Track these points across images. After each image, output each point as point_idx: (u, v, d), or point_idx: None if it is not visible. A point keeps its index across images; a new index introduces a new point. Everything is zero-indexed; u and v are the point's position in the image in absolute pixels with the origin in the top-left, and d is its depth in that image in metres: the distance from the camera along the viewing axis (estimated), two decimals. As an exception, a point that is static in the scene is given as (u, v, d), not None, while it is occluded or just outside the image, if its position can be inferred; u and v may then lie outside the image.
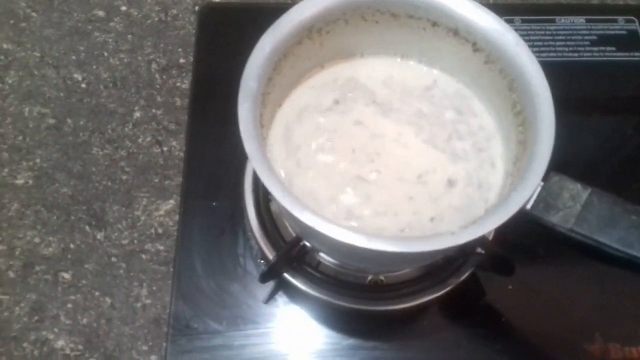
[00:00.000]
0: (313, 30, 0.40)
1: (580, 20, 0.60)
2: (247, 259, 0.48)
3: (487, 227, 0.32)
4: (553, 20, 0.60)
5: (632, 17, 0.60)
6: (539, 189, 0.35)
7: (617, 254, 0.35)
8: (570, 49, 0.59)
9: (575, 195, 0.35)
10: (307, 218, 0.32)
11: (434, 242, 0.32)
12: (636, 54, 0.59)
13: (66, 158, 0.55)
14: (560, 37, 0.59)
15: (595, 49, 0.59)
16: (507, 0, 0.64)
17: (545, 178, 0.35)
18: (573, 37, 0.60)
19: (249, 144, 0.33)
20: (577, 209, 0.35)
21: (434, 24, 0.41)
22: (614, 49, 0.59)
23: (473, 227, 0.32)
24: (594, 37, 0.60)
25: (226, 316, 0.46)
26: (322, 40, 0.41)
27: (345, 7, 0.40)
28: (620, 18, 0.60)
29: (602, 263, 0.37)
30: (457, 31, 0.40)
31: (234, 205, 0.50)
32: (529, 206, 0.35)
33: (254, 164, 0.33)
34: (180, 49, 0.60)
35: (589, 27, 0.60)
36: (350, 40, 0.43)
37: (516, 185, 0.34)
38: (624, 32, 0.60)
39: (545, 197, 0.35)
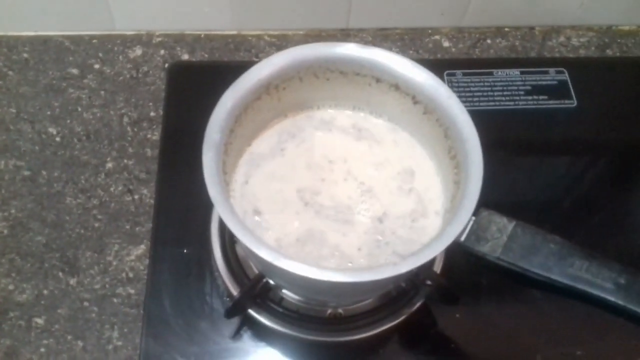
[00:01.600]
0: (270, 87, 0.44)
1: (515, 72, 0.66)
2: (214, 298, 0.51)
3: (425, 258, 0.36)
4: (491, 73, 0.66)
5: (562, 69, 0.66)
6: (471, 222, 0.39)
7: (540, 279, 0.39)
8: (507, 98, 0.64)
9: (502, 227, 0.40)
10: (264, 253, 0.35)
11: (377, 272, 0.35)
12: (566, 101, 0.65)
13: (40, 208, 0.58)
14: (497, 88, 0.65)
15: (530, 97, 0.64)
16: (450, 55, 0.70)
17: (476, 213, 0.39)
18: (509, 88, 0.65)
19: (212, 189, 0.37)
20: (503, 239, 0.40)
21: (378, 80, 0.46)
22: (546, 97, 0.65)
23: (412, 258, 0.36)
24: (528, 87, 0.65)
25: (194, 352, 0.48)
26: (280, 95, 0.45)
27: (298, 66, 0.45)
28: (551, 70, 0.66)
29: (529, 287, 0.41)
30: (397, 86, 0.45)
31: (201, 248, 0.53)
32: (462, 238, 0.39)
33: (217, 206, 0.36)
34: (151, 103, 0.64)
35: (523, 78, 0.66)
36: (306, 95, 0.47)
37: (450, 220, 0.38)
38: (555, 82, 0.66)
39: (476, 230, 0.40)
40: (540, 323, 0.51)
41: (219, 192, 0.37)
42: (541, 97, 0.65)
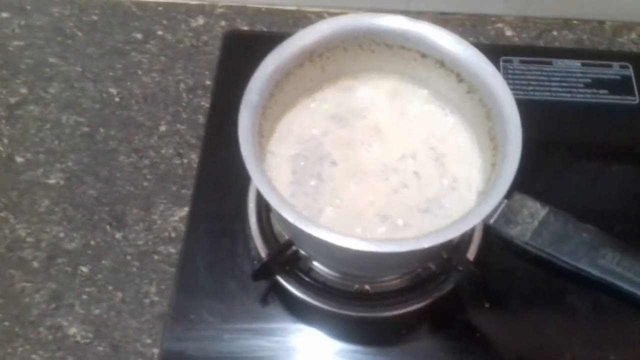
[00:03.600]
0: (314, 54, 0.44)
1: (576, 63, 0.63)
2: (245, 260, 0.52)
3: (449, 235, 0.36)
4: (550, 62, 0.63)
5: (627, 64, 0.63)
6: (502, 205, 0.38)
7: (568, 268, 0.38)
8: (565, 89, 0.62)
9: (534, 212, 0.39)
10: (289, 215, 0.35)
11: (399, 245, 0.35)
12: (628, 97, 0.62)
13: (95, 163, 0.60)
14: (555, 78, 0.63)
15: (589, 91, 0.62)
16: (508, 41, 0.68)
17: (509, 195, 0.38)
18: (568, 79, 0.63)
19: (245, 149, 0.37)
20: (534, 224, 0.38)
21: (423, 55, 0.45)
22: (607, 91, 0.62)
23: (434, 234, 0.36)
24: (589, 80, 0.63)
25: (221, 310, 0.49)
26: (323, 64, 0.45)
27: (344, 36, 0.44)
28: (615, 64, 0.63)
29: (556, 276, 0.40)
30: (443, 62, 0.44)
31: (237, 213, 0.54)
32: (492, 221, 0.38)
33: (248, 166, 0.37)
34: (207, 72, 0.65)
35: (584, 70, 0.63)
36: (350, 65, 0.47)
37: (481, 201, 0.37)
38: (618, 77, 0.63)
39: (507, 213, 0.38)
40: (573, 321, 0.49)
41: (252, 153, 0.37)
42: (601, 92, 0.62)
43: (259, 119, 0.40)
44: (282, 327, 0.50)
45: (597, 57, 0.64)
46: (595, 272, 0.38)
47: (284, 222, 0.37)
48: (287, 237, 0.50)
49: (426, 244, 0.35)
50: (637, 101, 0.61)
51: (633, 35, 0.68)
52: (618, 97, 0.61)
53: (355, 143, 0.46)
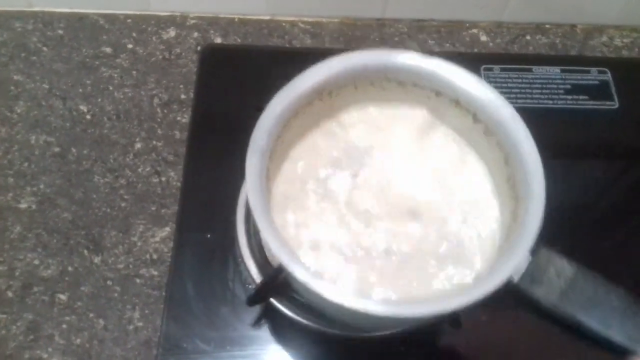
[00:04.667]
0: (324, 93, 0.42)
1: (556, 70, 0.64)
2: (237, 284, 0.51)
3: (474, 296, 0.33)
4: (530, 70, 0.64)
5: (605, 69, 0.64)
6: (527, 262, 0.36)
7: (596, 335, 0.35)
8: (546, 96, 0.63)
9: (561, 271, 0.36)
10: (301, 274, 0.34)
11: (420, 307, 0.33)
12: (607, 102, 0.63)
13: (69, 185, 0.58)
14: (536, 85, 0.63)
15: (569, 97, 0.63)
16: (487, 50, 0.68)
17: (533, 252, 0.35)
18: (548, 86, 0.63)
19: (254, 197, 0.35)
20: (561, 285, 0.35)
21: (438, 94, 0.43)
22: (586, 97, 0.63)
23: (460, 296, 0.33)
24: (568, 86, 0.63)
25: (214, 338, 0.48)
26: (332, 102, 0.43)
27: (355, 73, 0.42)
28: (593, 69, 0.64)
29: (582, 341, 0.36)
30: (458, 101, 0.42)
31: (225, 234, 0.52)
32: (516, 279, 0.35)
33: (255, 216, 0.35)
34: (181, 86, 0.64)
35: (563, 76, 0.64)
36: (359, 106, 0.45)
37: (505, 257, 0.35)
38: (597, 82, 0.64)
39: (532, 271, 0.36)
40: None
41: (260, 201, 0.35)
42: (581, 97, 0.63)
43: (267, 163, 0.38)
44: (278, 350, 0.49)
45: (575, 62, 0.65)
46: (626, 343, 0.35)
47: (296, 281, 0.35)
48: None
49: (450, 307, 0.33)
50: (616, 106, 0.62)
51: (604, 38, 0.69)
52: (598, 102, 0.62)
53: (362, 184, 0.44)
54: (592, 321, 0.35)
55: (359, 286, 0.39)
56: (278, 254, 0.34)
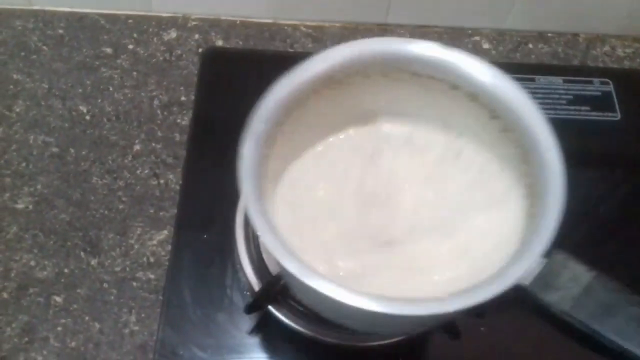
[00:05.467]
0: (333, 80, 0.40)
1: (558, 80, 0.64)
2: (234, 291, 0.50)
3: (478, 298, 0.31)
4: (533, 79, 0.64)
5: (607, 80, 0.64)
6: (542, 265, 0.34)
7: (612, 346, 0.34)
8: (548, 106, 0.62)
9: (578, 276, 0.34)
10: (292, 267, 0.32)
11: (418, 307, 0.31)
12: (609, 114, 0.62)
13: (66, 185, 0.58)
14: (538, 95, 0.63)
15: (572, 107, 0.62)
16: (490, 58, 0.67)
17: (549, 254, 0.33)
18: (551, 96, 0.63)
19: (247, 184, 0.34)
20: (576, 291, 0.34)
21: (454, 87, 0.40)
22: (588, 108, 0.62)
23: (463, 296, 0.32)
24: (571, 97, 0.63)
25: (211, 345, 0.48)
26: (342, 94, 0.41)
27: (366, 60, 0.40)
28: (596, 80, 0.64)
29: (596, 353, 0.35)
30: (476, 96, 0.40)
31: (224, 239, 0.52)
32: (528, 282, 0.34)
33: (248, 204, 0.33)
34: (182, 87, 0.63)
35: (566, 87, 0.63)
36: (369, 99, 0.42)
37: (516, 258, 0.33)
38: (599, 93, 0.63)
39: (546, 275, 0.34)
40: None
41: (253, 189, 0.34)
42: (583, 108, 0.63)
43: (263, 149, 0.36)
44: (275, 358, 0.48)
45: (578, 73, 0.65)
46: None
47: (286, 272, 0.34)
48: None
49: (451, 308, 0.31)
50: (618, 117, 0.62)
51: (606, 48, 0.69)
52: (600, 113, 0.62)
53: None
54: (608, 331, 0.34)
55: (356, 283, 0.37)
56: (271, 248, 0.33)
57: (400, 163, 0.43)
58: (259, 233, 0.33)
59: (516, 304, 0.47)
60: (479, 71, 0.39)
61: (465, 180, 0.42)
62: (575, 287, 0.34)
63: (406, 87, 0.41)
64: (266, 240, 0.33)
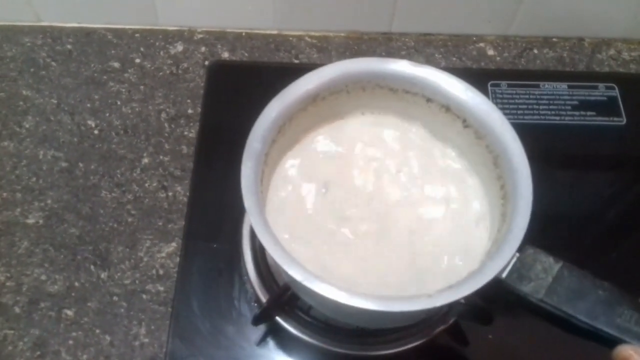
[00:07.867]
0: (318, 98, 0.44)
1: (563, 86, 0.64)
2: (242, 302, 0.51)
3: (462, 293, 0.35)
4: (537, 85, 0.64)
5: (612, 84, 0.64)
6: (514, 259, 0.37)
7: (584, 326, 0.37)
8: (553, 112, 0.62)
9: (547, 267, 0.37)
10: (294, 272, 0.35)
11: (410, 303, 0.34)
12: (615, 119, 0.62)
13: (76, 200, 0.58)
14: (543, 101, 0.63)
15: (577, 113, 0.62)
16: (494, 64, 0.68)
17: (520, 249, 0.37)
18: (556, 102, 0.63)
19: (249, 200, 0.36)
20: (548, 280, 0.37)
21: (429, 100, 0.44)
22: (594, 113, 0.62)
23: (448, 291, 0.35)
24: (576, 102, 0.63)
25: (220, 356, 0.48)
26: (325, 105, 0.45)
27: (347, 79, 0.44)
28: (601, 85, 0.64)
29: (569, 333, 0.38)
30: (448, 107, 0.44)
31: (231, 250, 0.52)
32: (504, 275, 0.37)
33: (251, 218, 0.36)
34: (189, 100, 0.64)
35: (571, 92, 0.63)
36: (351, 106, 0.47)
37: (492, 255, 0.37)
38: (604, 98, 0.63)
39: (519, 268, 0.37)
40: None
41: (255, 204, 0.36)
42: (589, 113, 0.63)
43: (262, 167, 0.39)
44: (283, 369, 0.49)
45: (582, 78, 0.65)
46: (612, 332, 0.36)
47: (288, 276, 0.36)
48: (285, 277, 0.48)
49: (439, 302, 0.34)
50: (624, 122, 0.62)
51: (612, 51, 0.69)
52: (606, 118, 0.62)
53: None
54: (579, 313, 0.37)
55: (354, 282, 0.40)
56: (274, 256, 0.35)
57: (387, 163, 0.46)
58: (265, 246, 0.35)
59: (523, 311, 0.49)
60: (450, 85, 0.43)
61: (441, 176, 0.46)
62: (547, 276, 0.38)
63: (384, 100, 0.46)
64: (273, 253, 0.35)
